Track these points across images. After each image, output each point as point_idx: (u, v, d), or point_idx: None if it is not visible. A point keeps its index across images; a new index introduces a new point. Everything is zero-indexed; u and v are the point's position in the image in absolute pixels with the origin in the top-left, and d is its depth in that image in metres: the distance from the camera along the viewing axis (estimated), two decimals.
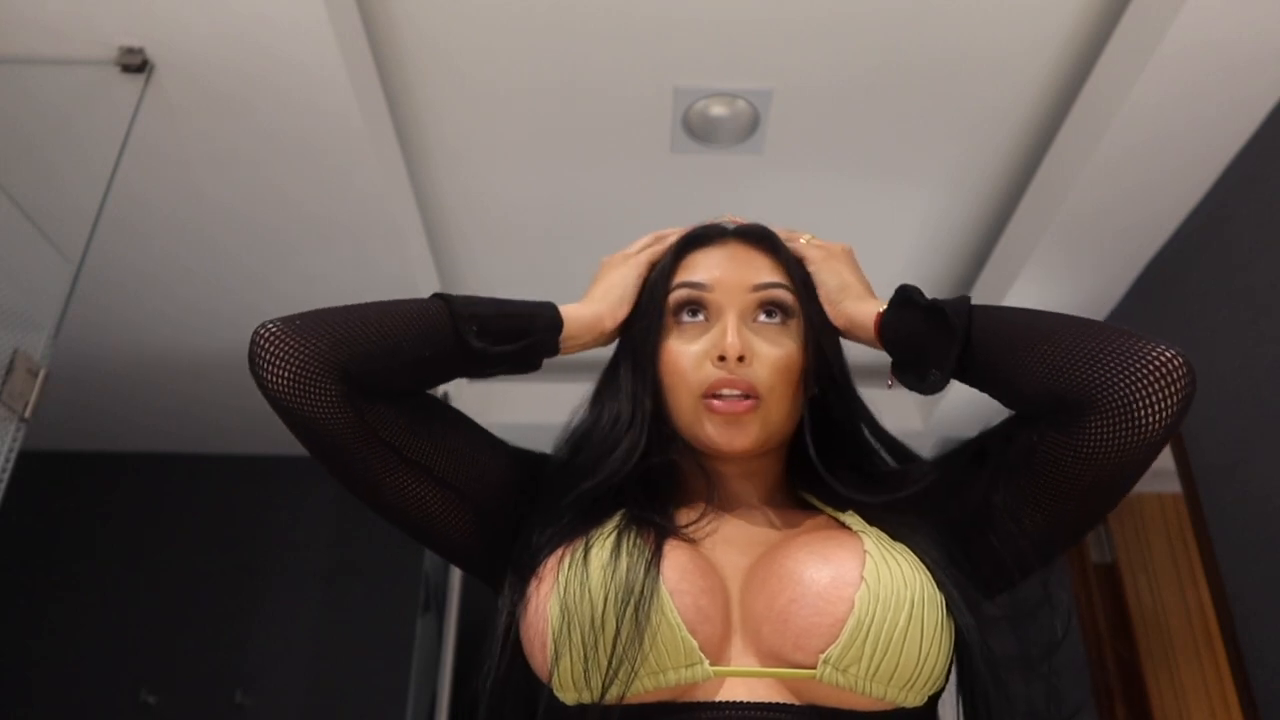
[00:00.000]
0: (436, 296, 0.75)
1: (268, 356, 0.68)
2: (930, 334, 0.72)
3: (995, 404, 0.72)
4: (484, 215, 2.47)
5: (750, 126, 2.13)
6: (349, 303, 0.74)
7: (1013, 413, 0.72)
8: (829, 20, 1.87)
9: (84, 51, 1.73)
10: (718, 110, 2.09)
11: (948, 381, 0.71)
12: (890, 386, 0.79)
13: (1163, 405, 0.62)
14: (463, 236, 2.55)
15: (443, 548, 0.78)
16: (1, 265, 1.72)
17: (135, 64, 1.73)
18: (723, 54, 1.96)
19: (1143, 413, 0.62)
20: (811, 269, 0.82)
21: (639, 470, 0.76)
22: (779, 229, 0.85)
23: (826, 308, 0.81)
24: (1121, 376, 0.62)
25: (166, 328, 2.69)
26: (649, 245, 0.86)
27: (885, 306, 0.77)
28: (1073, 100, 2.04)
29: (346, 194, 2.15)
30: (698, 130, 2.14)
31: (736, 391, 0.74)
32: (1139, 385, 0.62)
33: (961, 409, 2.91)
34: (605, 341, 0.84)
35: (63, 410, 2.89)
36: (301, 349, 0.68)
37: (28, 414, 1.47)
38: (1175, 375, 0.62)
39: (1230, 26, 1.64)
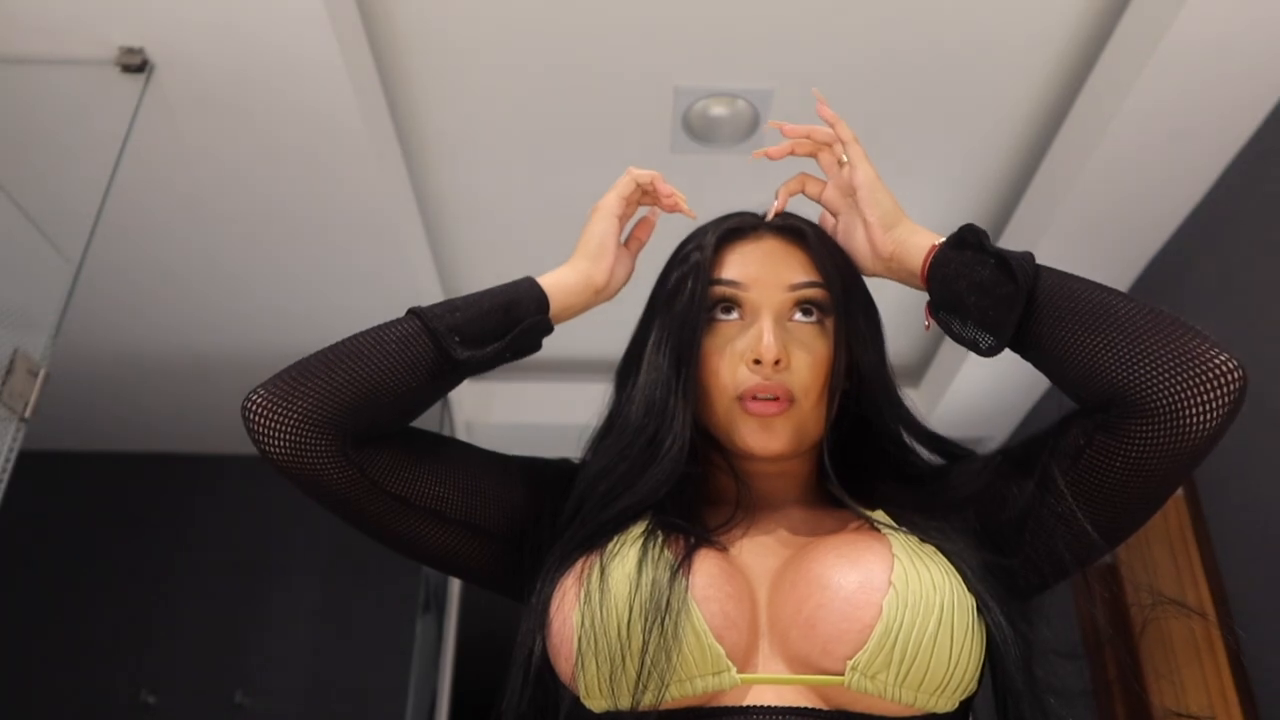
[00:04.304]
0: (411, 314, 0.73)
1: (260, 427, 0.68)
2: (987, 286, 0.69)
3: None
4: (483, 215, 2.47)
5: (750, 126, 2.13)
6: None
7: (1057, 421, 0.70)
8: (829, 21, 1.87)
9: (84, 51, 1.73)
10: (718, 110, 2.09)
11: (1003, 348, 0.69)
12: (928, 329, 0.77)
13: (1209, 410, 0.61)
14: (462, 237, 2.55)
15: (470, 578, 0.78)
16: (1, 265, 1.72)
17: (135, 64, 1.73)
18: (723, 54, 1.96)
19: (1189, 417, 0.61)
20: (862, 192, 0.78)
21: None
22: (820, 134, 0.82)
23: (875, 232, 0.77)
24: (1174, 378, 0.62)
25: (167, 328, 2.69)
26: (624, 189, 0.82)
27: (941, 241, 0.74)
28: (1073, 101, 2.04)
29: (346, 193, 2.15)
30: (698, 130, 2.14)
31: (771, 394, 0.72)
32: (1189, 388, 0.61)
33: (961, 409, 2.91)
34: (606, 298, 0.81)
35: (63, 410, 2.89)
36: (290, 413, 0.68)
37: (28, 414, 1.47)
38: (1226, 381, 0.61)
39: (1230, 26, 1.64)
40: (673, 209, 0.84)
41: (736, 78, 2.02)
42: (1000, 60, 1.97)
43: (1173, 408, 0.62)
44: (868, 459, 0.79)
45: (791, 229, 0.80)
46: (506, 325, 0.74)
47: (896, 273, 0.78)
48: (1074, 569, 0.69)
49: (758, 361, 0.72)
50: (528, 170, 2.30)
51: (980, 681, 0.65)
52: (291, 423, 0.67)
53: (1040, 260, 0.69)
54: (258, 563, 3.24)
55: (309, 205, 2.20)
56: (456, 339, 0.71)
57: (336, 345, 0.71)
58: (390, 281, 2.43)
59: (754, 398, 0.72)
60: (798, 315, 0.76)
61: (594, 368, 2.91)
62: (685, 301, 0.77)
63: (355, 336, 0.72)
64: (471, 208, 2.44)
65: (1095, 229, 2.18)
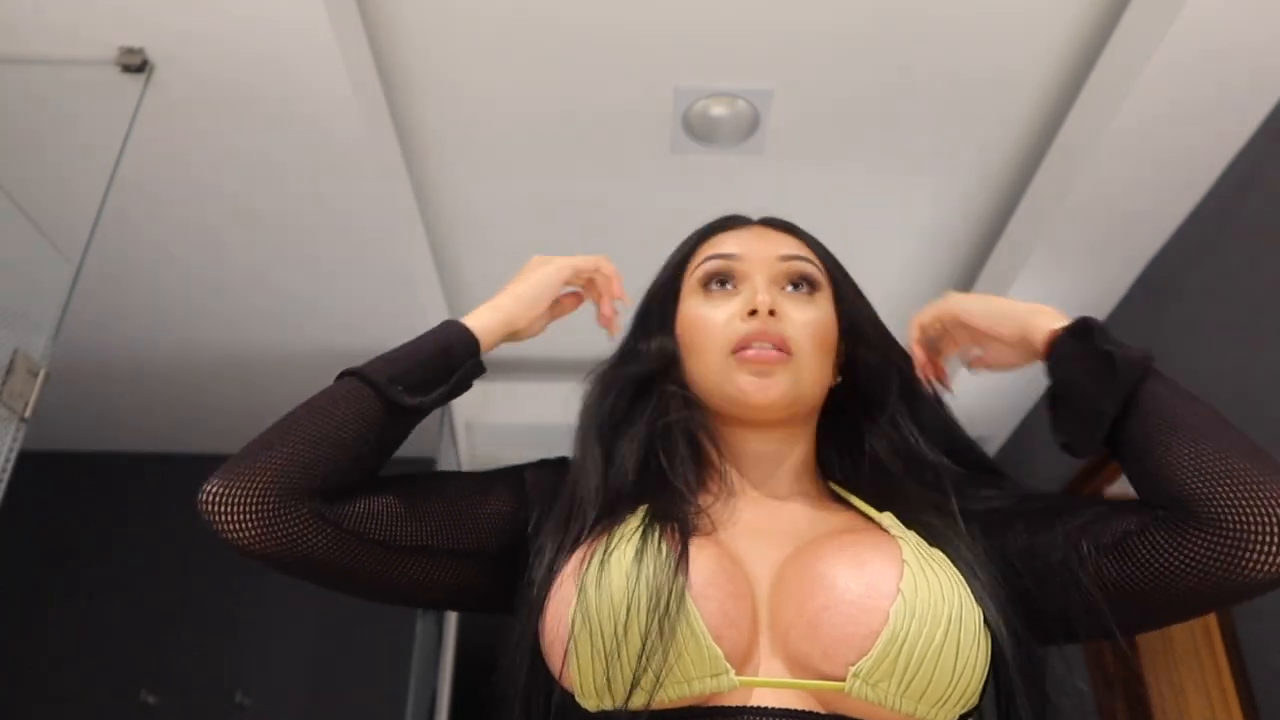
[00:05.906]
0: (348, 375, 0.73)
1: (223, 519, 0.66)
2: (1094, 378, 0.67)
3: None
4: (483, 213, 2.47)
5: (750, 126, 2.13)
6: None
7: (1106, 504, 0.68)
8: (829, 20, 1.87)
9: (84, 51, 1.73)
10: (718, 110, 2.09)
11: (1095, 449, 0.68)
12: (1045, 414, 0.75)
13: (1273, 552, 0.59)
14: (462, 236, 2.55)
15: (475, 606, 0.76)
16: (1, 265, 1.72)
17: (135, 64, 1.73)
18: (723, 54, 1.96)
19: (1253, 548, 0.60)
20: (991, 334, 0.77)
21: (661, 434, 0.75)
22: (927, 348, 0.84)
23: (1002, 330, 0.76)
24: (1254, 506, 0.60)
25: (167, 328, 2.69)
26: (585, 266, 0.86)
27: (1060, 326, 0.72)
28: (1073, 102, 2.03)
29: (347, 194, 2.15)
30: (698, 130, 2.14)
31: (768, 344, 0.74)
32: (1265, 522, 0.59)
33: (961, 409, 2.90)
34: (515, 341, 0.83)
35: (63, 410, 2.89)
36: (250, 493, 0.66)
37: (28, 414, 1.47)
38: None
39: (1230, 26, 1.64)
40: (608, 303, 0.87)
41: (736, 78, 2.01)
42: (1002, 58, 1.97)
43: (1241, 533, 0.60)
44: (871, 454, 0.79)
45: (778, 220, 0.85)
46: (447, 370, 0.76)
47: (1029, 354, 0.77)
48: (1084, 637, 0.67)
49: (753, 313, 0.74)
50: (527, 169, 2.29)
51: (983, 696, 0.64)
52: (253, 500, 0.66)
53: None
54: (258, 562, 3.24)
55: (309, 205, 2.20)
56: (400, 388, 0.72)
57: (279, 420, 0.71)
58: (390, 282, 2.43)
59: (750, 347, 0.74)
60: (789, 287, 0.79)
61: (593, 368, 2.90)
62: (663, 280, 0.84)
63: (296, 408, 0.72)
64: (472, 207, 2.44)
65: (1095, 230, 2.18)
